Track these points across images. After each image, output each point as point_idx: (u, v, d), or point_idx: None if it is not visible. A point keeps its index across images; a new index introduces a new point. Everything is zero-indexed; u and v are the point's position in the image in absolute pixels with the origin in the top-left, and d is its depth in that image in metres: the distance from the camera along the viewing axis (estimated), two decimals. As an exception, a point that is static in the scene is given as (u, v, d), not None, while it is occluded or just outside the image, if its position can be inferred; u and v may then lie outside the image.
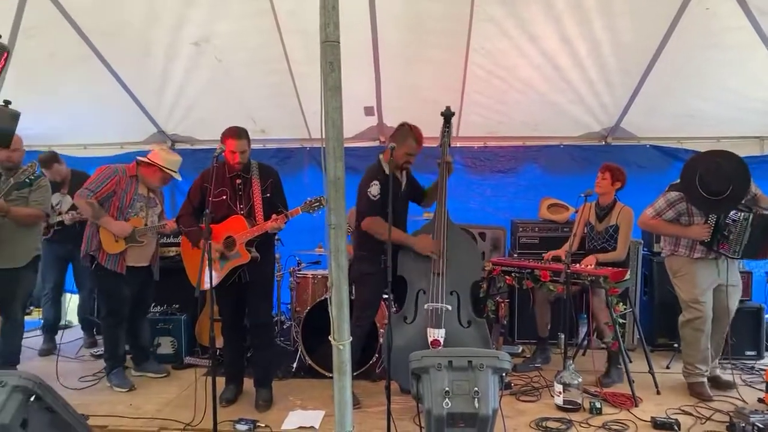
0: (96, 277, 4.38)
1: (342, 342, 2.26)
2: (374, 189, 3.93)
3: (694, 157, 4.23)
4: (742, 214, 3.97)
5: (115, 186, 4.29)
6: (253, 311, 4.08)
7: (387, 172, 3.98)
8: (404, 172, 4.19)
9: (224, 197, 3.93)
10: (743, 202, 4.01)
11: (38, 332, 5.56)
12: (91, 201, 4.19)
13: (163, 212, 4.66)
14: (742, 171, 3.91)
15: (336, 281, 2.23)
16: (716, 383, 4.25)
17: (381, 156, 4.06)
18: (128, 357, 4.77)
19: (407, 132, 4.03)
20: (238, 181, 3.96)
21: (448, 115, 4.08)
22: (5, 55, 3.14)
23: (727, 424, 3.52)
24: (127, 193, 4.33)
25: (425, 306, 3.86)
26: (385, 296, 3.97)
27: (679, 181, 4.15)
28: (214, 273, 3.59)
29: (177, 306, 5.12)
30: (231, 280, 3.94)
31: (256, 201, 3.93)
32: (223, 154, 3.81)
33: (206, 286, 3.51)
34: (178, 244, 5.34)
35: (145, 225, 4.40)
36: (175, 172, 4.47)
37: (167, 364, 4.88)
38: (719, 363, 4.43)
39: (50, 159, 5.16)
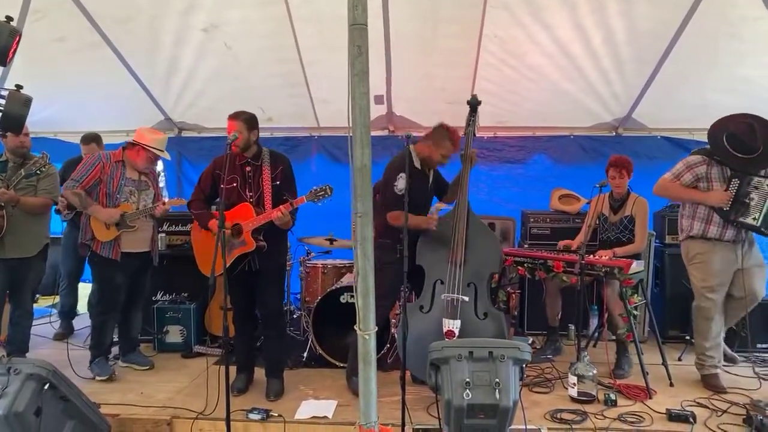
0: (92, 265, 4.33)
1: (367, 332, 2.22)
2: (400, 183, 3.83)
3: (723, 118, 4.05)
4: (767, 180, 3.86)
5: (100, 173, 4.18)
6: (263, 301, 4.05)
7: (418, 165, 3.97)
8: (432, 169, 4.16)
9: (234, 184, 3.89)
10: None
11: (44, 320, 5.56)
12: (77, 191, 4.11)
13: (157, 195, 4.53)
14: None
15: (362, 270, 2.20)
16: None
17: (413, 147, 3.97)
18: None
19: (445, 134, 3.97)
20: (248, 168, 3.92)
21: (474, 104, 4.01)
22: (17, 38, 3.09)
23: (744, 416, 3.49)
24: (113, 178, 4.22)
25: (442, 296, 3.83)
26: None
27: (706, 144, 4.07)
28: (220, 260, 3.54)
29: (186, 294, 5.09)
30: (239, 268, 3.90)
31: (266, 189, 3.88)
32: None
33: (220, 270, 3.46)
34: (186, 233, 5.30)
35: (136, 209, 4.28)
36: (160, 150, 4.32)
37: (176, 353, 4.87)
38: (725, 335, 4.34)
39: (92, 138, 5.23)
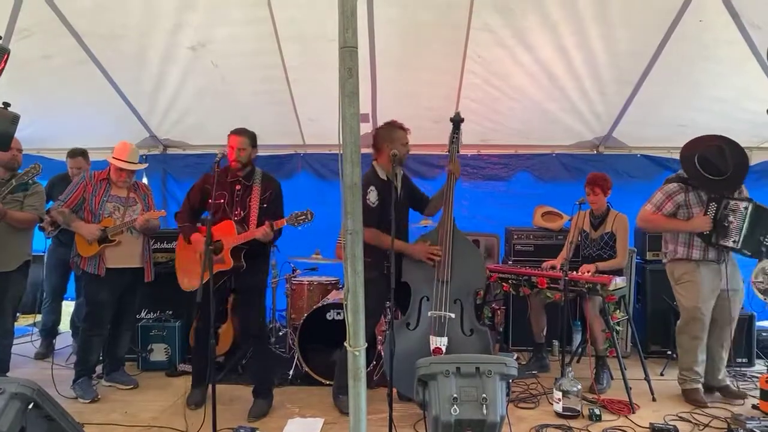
0: (78, 281, 4.40)
1: (358, 348, 2.24)
2: (372, 196, 3.87)
3: (694, 139, 4.16)
4: (742, 203, 3.95)
5: (83, 192, 4.28)
6: (244, 322, 4.06)
7: (383, 177, 3.97)
8: (399, 177, 4.04)
9: (222, 201, 3.92)
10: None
11: (24, 339, 5.47)
12: (62, 209, 4.21)
13: (150, 208, 4.48)
14: (743, 157, 3.99)
15: (352, 287, 2.22)
16: (727, 393, 4.20)
17: (374, 162, 4.01)
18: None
19: (388, 127, 4.00)
20: (238, 187, 3.95)
21: (457, 121, 4.08)
22: (5, 56, 3.10)
23: (725, 430, 3.56)
24: (95, 196, 4.28)
25: (428, 313, 3.83)
26: (388, 303, 3.94)
27: (680, 170, 4.19)
28: (197, 275, 3.55)
29: (170, 312, 5.06)
30: (217, 286, 3.89)
31: (253, 209, 3.90)
32: (226, 156, 3.80)
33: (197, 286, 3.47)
34: (169, 250, 5.28)
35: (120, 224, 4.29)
36: (120, 160, 4.25)
37: (160, 372, 4.83)
38: (727, 373, 4.34)
39: (80, 152, 5.25)
